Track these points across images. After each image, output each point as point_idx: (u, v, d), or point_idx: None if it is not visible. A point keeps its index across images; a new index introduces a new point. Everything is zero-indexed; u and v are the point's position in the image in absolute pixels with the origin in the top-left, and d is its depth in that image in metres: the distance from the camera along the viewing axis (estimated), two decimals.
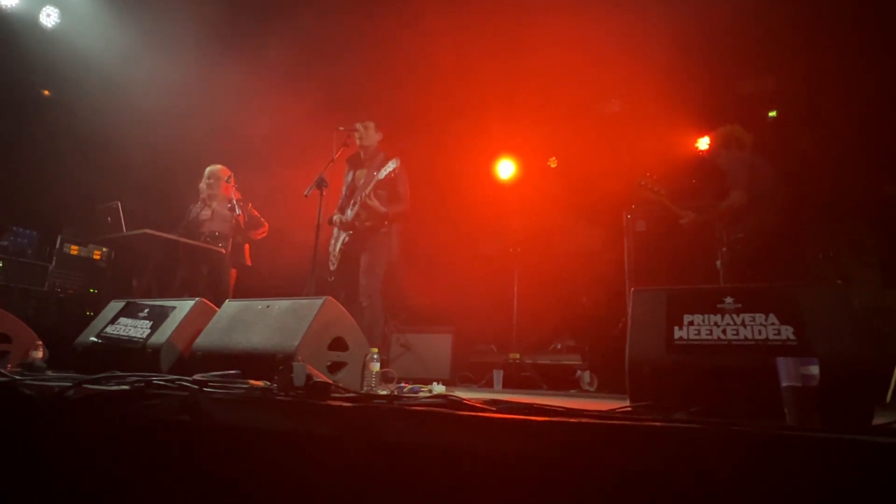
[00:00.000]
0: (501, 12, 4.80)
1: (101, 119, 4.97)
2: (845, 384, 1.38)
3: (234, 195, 4.45)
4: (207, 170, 4.69)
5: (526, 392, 3.89)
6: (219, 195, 4.62)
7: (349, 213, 3.96)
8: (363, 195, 3.84)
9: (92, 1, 5.16)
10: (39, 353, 2.75)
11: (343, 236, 4.03)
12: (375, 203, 3.82)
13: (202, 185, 4.67)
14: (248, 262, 4.71)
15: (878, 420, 1.38)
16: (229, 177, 4.62)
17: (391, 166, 3.78)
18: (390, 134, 4.29)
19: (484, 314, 5.44)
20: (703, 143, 5.02)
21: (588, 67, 4.82)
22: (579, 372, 4.49)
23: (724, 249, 3.76)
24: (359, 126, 4.06)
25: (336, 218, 4.07)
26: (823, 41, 4.21)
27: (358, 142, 4.05)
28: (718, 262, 3.79)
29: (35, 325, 3.03)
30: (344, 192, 4.16)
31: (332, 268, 4.04)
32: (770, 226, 3.68)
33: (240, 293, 4.53)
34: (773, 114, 4.89)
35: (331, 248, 4.09)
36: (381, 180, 3.80)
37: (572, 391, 4.25)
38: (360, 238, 3.94)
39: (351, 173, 4.16)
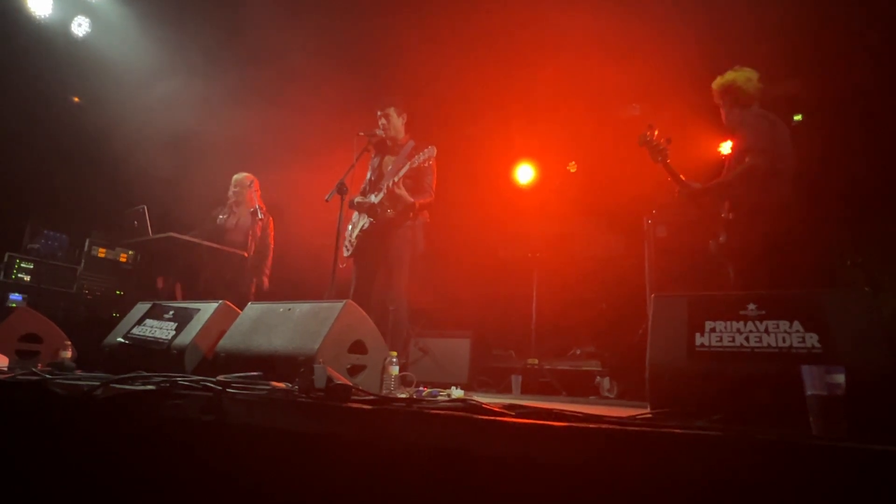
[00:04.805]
0: (520, 16, 4.81)
1: (128, 125, 5.10)
2: (872, 393, 1.35)
3: (259, 202, 4.55)
4: (234, 177, 4.79)
5: (544, 398, 3.87)
6: (244, 202, 4.72)
7: (373, 198, 3.75)
8: (390, 182, 3.63)
9: (121, 11, 5.32)
10: (68, 353, 2.83)
11: (363, 223, 3.81)
12: (403, 192, 3.62)
13: (232, 191, 4.77)
14: (266, 285, 4.68)
15: None
16: (251, 181, 4.71)
17: (428, 153, 3.58)
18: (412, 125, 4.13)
19: (502, 319, 5.43)
20: (726, 147, 4.94)
21: (608, 71, 4.79)
22: (599, 378, 4.45)
23: (721, 234, 3.19)
24: (380, 117, 3.89)
25: (358, 199, 3.83)
26: (849, 43, 4.13)
27: (382, 133, 3.88)
28: (712, 243, 3.29)
29: (64, 325, 3.12)
30: (369, 177, 3.96)
31: (346, 253, 3.83)
32: (782, 199, 3.02)
33: (262, 297, 4.60)
34: (798, 118, 4.80)
35: (347, 234, 3.89)
36: (416, 167, 3.60)
37: (592, 397, 4.21)
38: (381, 230, 3.71)
39: (378, 158, 3.95)
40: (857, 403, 1.23)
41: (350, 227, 3.92)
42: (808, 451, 1.04)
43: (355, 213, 3.93)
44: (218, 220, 4.69)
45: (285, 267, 4.96)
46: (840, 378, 1.25)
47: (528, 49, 5.03)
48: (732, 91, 3.36)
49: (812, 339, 1.53)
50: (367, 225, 3.79)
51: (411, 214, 3.72)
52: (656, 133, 3.38)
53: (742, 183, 3.11)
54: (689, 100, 4.49)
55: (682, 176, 3.35)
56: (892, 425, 1.34)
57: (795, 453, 1.05)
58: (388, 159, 3.91)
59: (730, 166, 3.30)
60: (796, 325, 1.57)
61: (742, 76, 3.34)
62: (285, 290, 4.60)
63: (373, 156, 4.02)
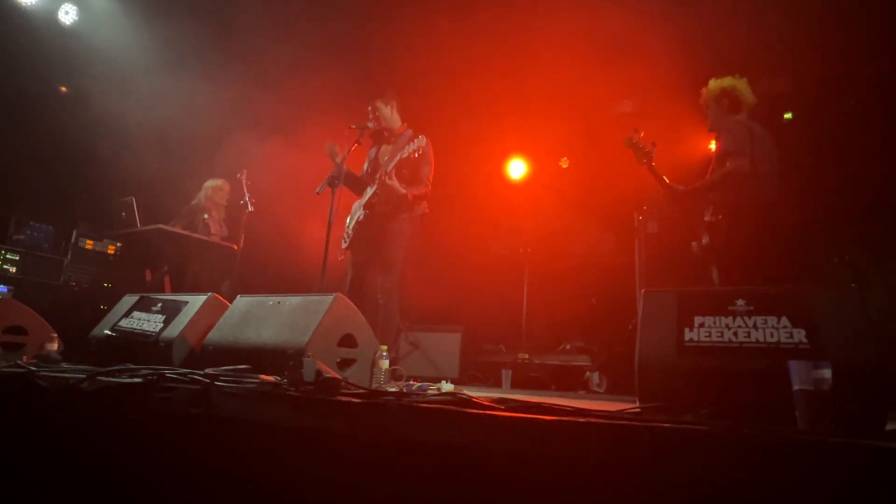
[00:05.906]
0: (512, 11, 4.79)
1: (116, 115, 5.04)
2: (858, 389, 1.37)
3: (247, 191, 4.53)
4: (211, 183, 4.82)
5: (534, 392, 3.88)
6: (221, 206, 4.77)
7: (368, 191, 3.72)
8: (383, 173, 3.59)
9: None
10: (54, 346, 2.79)
11: (359, 214, 3.79)
12: (395, 183, 3.58)
13: (206, 195, 4.79)
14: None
15: (891, 426, 1.37)
16: (241, 173, 4.70)
17: (418, 143, 3.56)
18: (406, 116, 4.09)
19: (493, 314, 5.44)
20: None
21: (600, 67, 4.79)
22: (588, 373, 4.47)
23: (704, 234, 3.22)
24: (369, 111, 3.87)
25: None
26: (839, 41, 4.15)
27: (372, 125, 3.84)
28: (694, 244, 3.34)
29: (50, 317, 3.07)
30: (365, 168, 3.95)
31: (343, 245, 3.82)
32: (761, 200, 3.06)
33: (250, 289, 4.56)
34: (788, 115, 4.83)
35: (346, 224, 3.86)
36: (406, 158, 3.56)
37: (581, 392, 4.23)
38: (375, 223, 3.69)
39: (374, 149, 3.95)
40: (843, 398, 1.25)
41: (349, 218, 3.90)
42: (793, 445, 1.05)
43: (355, 204, 3.90)
44: (204, 218, 4.68)
45: (275, 260, 4.93)
46: (826, 373, 1.26)
47: (521, 44, 5.03)
48: (731, 96, 3.40)
49: (799, 335, 1.54)
50: (362, 216, 3.77)
51: (405, 206, 3.69)
52: (642, 135, 3.43)
53: (723, 186, 3.17)
54: (681, 97, 4.50)
55: (666, 178, 3.41)
56: (876, 420, 1.36)
57: (781, 448, 1.05)
58: (385, 149, 3.88)
59: (713, 168, 3.35)
60: (784, 320, 1.58)
61: (743, 84, 3.41)
62: (275, 283, 4.58)
63: (370, 147, 4.00)
